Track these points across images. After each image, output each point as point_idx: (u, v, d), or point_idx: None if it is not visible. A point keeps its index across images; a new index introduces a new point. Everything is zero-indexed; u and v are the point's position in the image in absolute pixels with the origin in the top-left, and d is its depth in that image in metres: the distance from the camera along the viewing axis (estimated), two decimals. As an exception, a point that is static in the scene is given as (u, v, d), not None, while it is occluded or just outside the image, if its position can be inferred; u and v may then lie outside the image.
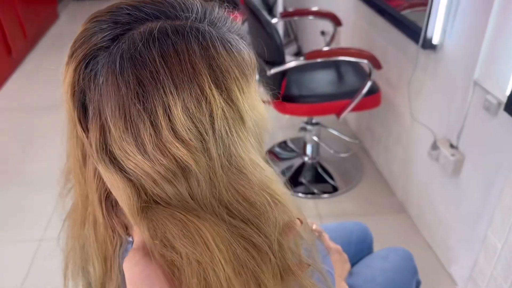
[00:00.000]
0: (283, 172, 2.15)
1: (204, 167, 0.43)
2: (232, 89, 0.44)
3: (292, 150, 2.32)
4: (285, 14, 2.21)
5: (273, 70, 1.62)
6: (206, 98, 0.42)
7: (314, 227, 0.91)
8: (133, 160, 0.42)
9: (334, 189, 2.04)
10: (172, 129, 0.41)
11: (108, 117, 0.42)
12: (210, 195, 0.44)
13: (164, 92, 0.41)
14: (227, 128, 0.44)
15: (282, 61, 1.64)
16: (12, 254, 1.73)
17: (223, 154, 0.44)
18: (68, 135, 0.48)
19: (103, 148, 0.43)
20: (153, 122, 0.41)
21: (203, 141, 0.43)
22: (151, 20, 0.44)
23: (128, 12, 0.44)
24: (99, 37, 0.43)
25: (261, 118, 0.49)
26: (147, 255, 0.43)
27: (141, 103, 0.41)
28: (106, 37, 0.43)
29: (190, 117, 0.42)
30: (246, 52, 0.47)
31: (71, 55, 0.44)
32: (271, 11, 3.18)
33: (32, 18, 3.49)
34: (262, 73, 1.74)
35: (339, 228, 1.12)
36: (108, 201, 0.48)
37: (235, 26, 0.48)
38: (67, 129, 0.47)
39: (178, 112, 0.41)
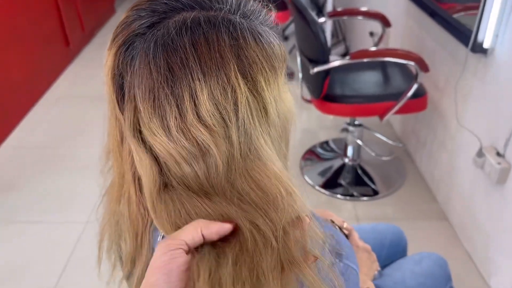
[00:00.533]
0: (322, 173, 2.15)
1: (224, 152, 0.45)
2: (258, 80, 0.45)
3: (333, 151, 2.31)
4: (334, 14, 2.20)
5: (316, 69, 1.63)
6: (232, 86, 0.44)
7: (345, 225, 0.91)
8: (159, 140, 0.45)
9: (374, 193, 2.01)
10: (196, 114, 0.43)
11: (139, 99, 0.45)
12: (224, 180, 0.45)
13: (192, 78, 0.43)
14: (250, 117, 0.45)
15: (326, 60, 1.64)
16: (59, 234, 1.84)
17: (244, 141, 0.45)
18: (108, 115, 0.51)
19: (135, 128, 0.46)
20: (179, 106, 0.43)
21: (225, 128, 0.44)
22: (187, 10, 0.46)
23: (165, 1, 0.46)
24: (138, 24, 0.46)
25: (287, 111, 0.50)
26: (180, 248, 0.44)
27: (170, 87, 0.43)
28: (144, 24, 0.45)
29: (215, 104, 0.44)
30: (277, 45, 0.48)
31: (113, 40, 0.47)
32: (320, 11, 3.17)
33: (90, 13, 3.65)
34: (305, 71, 1.74)
35: (373, 230, 1.11)
36: (141, 180, 0.51)
37: (268, 19, 0.50)
38: (108, 110, 0.51)
39: (204, 98, 0.43)
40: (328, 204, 1.95)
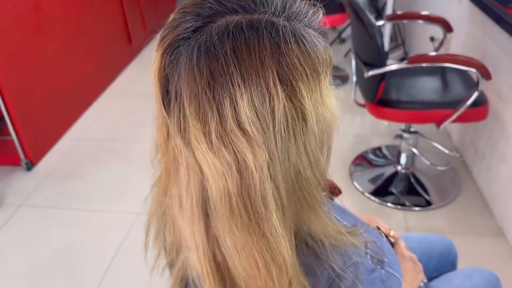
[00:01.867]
0: (373, 180, 2.10)
1: (260, 162, 0.44)
2: (298, 86, 0.45)
3: (385, 157, 2.26)
4: (393, 17, 2.15)
5: (371, 72, 1.59)
6: (270, 93, 0.43)
7: (391, 233, 0.89)
8: (200, 148, 0.45)
9: (427, 203, 1.94)
10: (236, 120, 0.43)
11: (184, 103, 0.45)
12: (263, 192, 0.45)
13: (232, 84, 0.43)
14: (284, 126, 0.45)
15: (382, 64, 1.61)
16: (112, 222, 1.92)
17: (282, 150, 0.45)
18: (157, 113, 0.53)
19: (180, 130, 0.47)
20: (220, 112, 0.44)
21: (264, 136, 0.44)
22: (230, 14, 0.46)
23: (210, 5, 0.47)
24: (183, 28, 0.46)
25: (329, 116, 0.49)
26: None
27: (212, 92, 0.44)
28: (189, 29, 0.46)
29: (255, 111, 0.43)
30: (322, 48, 0.47)
31: (160, 43, 0.48)
32: (380, 14, 3.11)
33: (152, 12, 3.79)
34: (359, 74, 1.71)
35: (421, 240, 1.08)
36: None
37: (314, 20, 0.48)
38: (156, 108, 0.52)
39: (243, 105, 0.43)
40: (377, 212, 1.91)
